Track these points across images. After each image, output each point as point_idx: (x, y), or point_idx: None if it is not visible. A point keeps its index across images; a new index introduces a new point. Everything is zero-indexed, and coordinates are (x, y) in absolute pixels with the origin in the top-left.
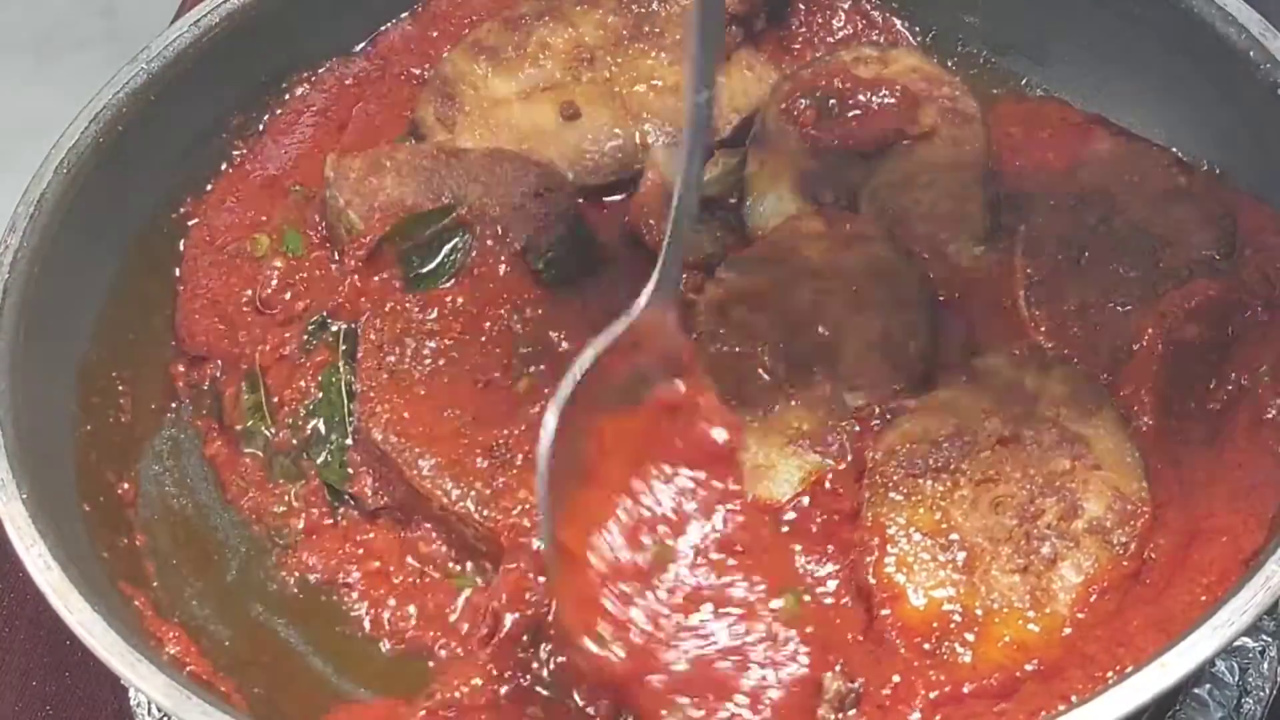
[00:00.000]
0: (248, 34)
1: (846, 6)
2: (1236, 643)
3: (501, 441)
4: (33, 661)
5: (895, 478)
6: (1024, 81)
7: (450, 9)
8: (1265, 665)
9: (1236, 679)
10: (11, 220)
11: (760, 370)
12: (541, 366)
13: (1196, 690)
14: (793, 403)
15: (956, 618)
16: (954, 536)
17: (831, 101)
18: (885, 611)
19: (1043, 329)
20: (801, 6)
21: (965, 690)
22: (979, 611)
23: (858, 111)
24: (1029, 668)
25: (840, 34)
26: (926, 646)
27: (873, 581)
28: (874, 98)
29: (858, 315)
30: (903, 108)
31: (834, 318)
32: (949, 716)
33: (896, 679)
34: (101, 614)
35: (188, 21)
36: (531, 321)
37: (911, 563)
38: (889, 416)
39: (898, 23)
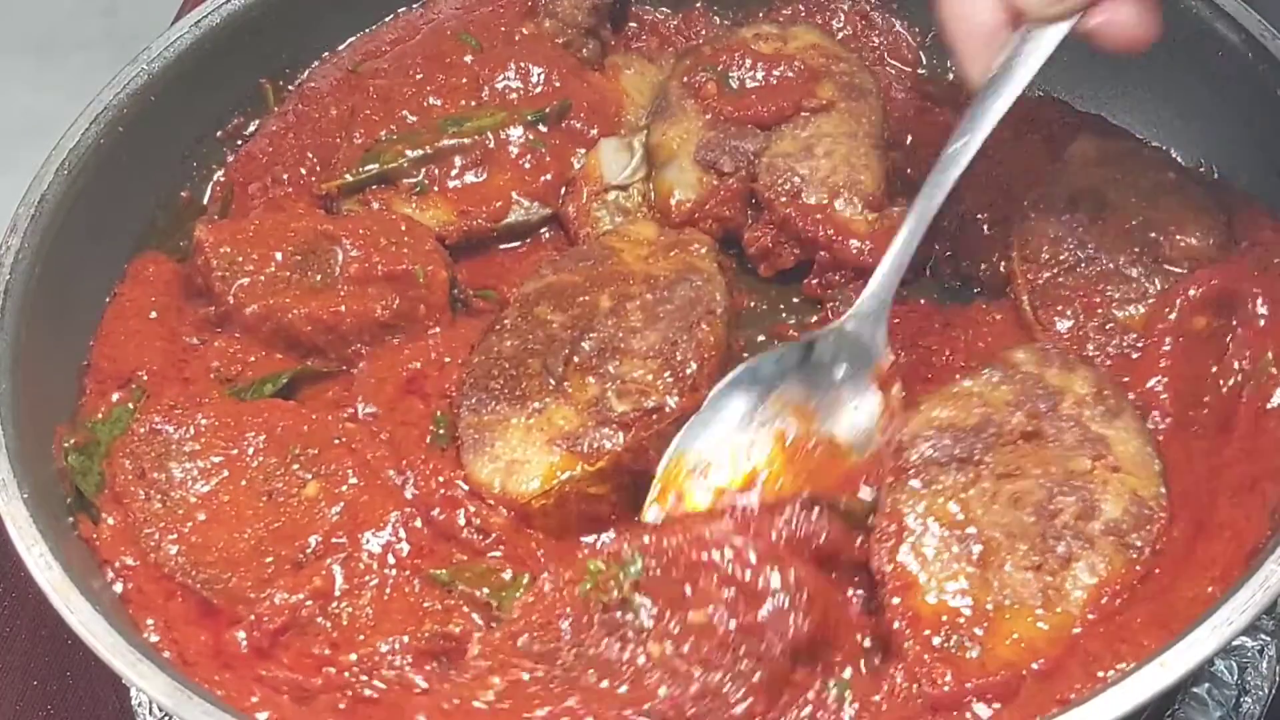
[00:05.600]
0: (248, 34)
1: (846, 8)
2: (1235, 642)
3: (307, 552)
4: (34, 661)
5: (919, 464)
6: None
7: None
8: (1264, 665)
9: (1235, 678)
10: (13, 221)
11: (541, 367)
12: (331, 466)
13: (1195, 689)
14: (563, 403)
15: (967, 611)
16: (971, 529)
17: (732, 75)
18: (895, 600)
19: (1049, 331)
20: (801, 9)
21: (969, 686)
22: (990, 607)
23: (758, 85)
24: (1035, 667)
25: (840, 35)
26: (936, 641)
27: (887, 569)
28: (774, 72)
29: (648, 323)
30: (801, 82)
31: (625, 324)
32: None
33: (899, 677)
34: (103, 614)
35: (188, 22)
36: (295, 427)
37: (927, 553)
38: (652, 421)
39: (897, 24)
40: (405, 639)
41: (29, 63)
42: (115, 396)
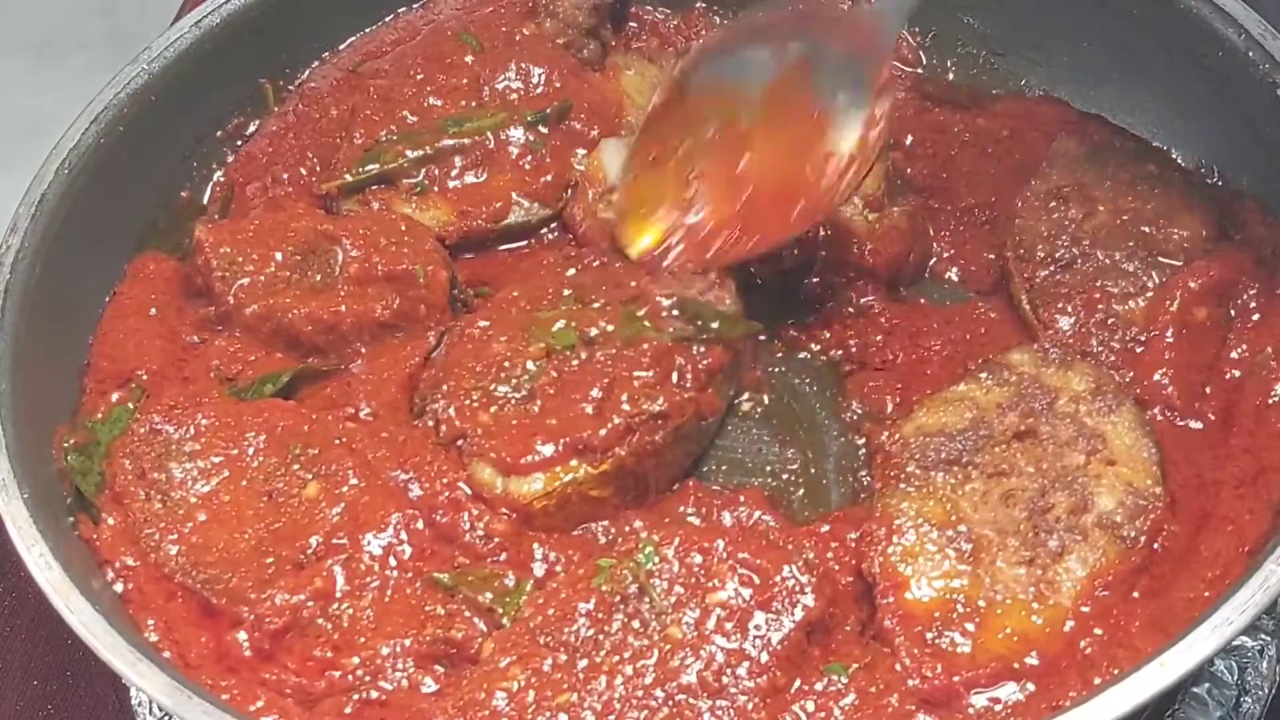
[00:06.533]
0: (248, 34)
1: (846, 8)
2: (1235, 642)
3: (308, 553)
4: (34, 661)
5: (908, 469)
6: (1024, 81)
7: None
8: (1264, 664)
9: (1235, 678)
10: (13, 221)
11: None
12: (332, 466)
13: (1196, 689)
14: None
15: (959, 608)
16: (962, 528)
17: None
18: (888, 600)
19: (1050, 330)
20: (801, 9)
21: (957, 680)
22: (982, 603)
23: None
24: (1029, 661)
25: None
26: (928, 636)
27: (877, 571)
28: None
29: (653, 332)
30: None
31: (625, 334)
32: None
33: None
34: (103, 613)
35: (188, 22)
36: (296, 427)
37: (917, 554)
38: (655, 422)
39: None
40: (407, 642)
41: (29, 63)
42: (115, 396)
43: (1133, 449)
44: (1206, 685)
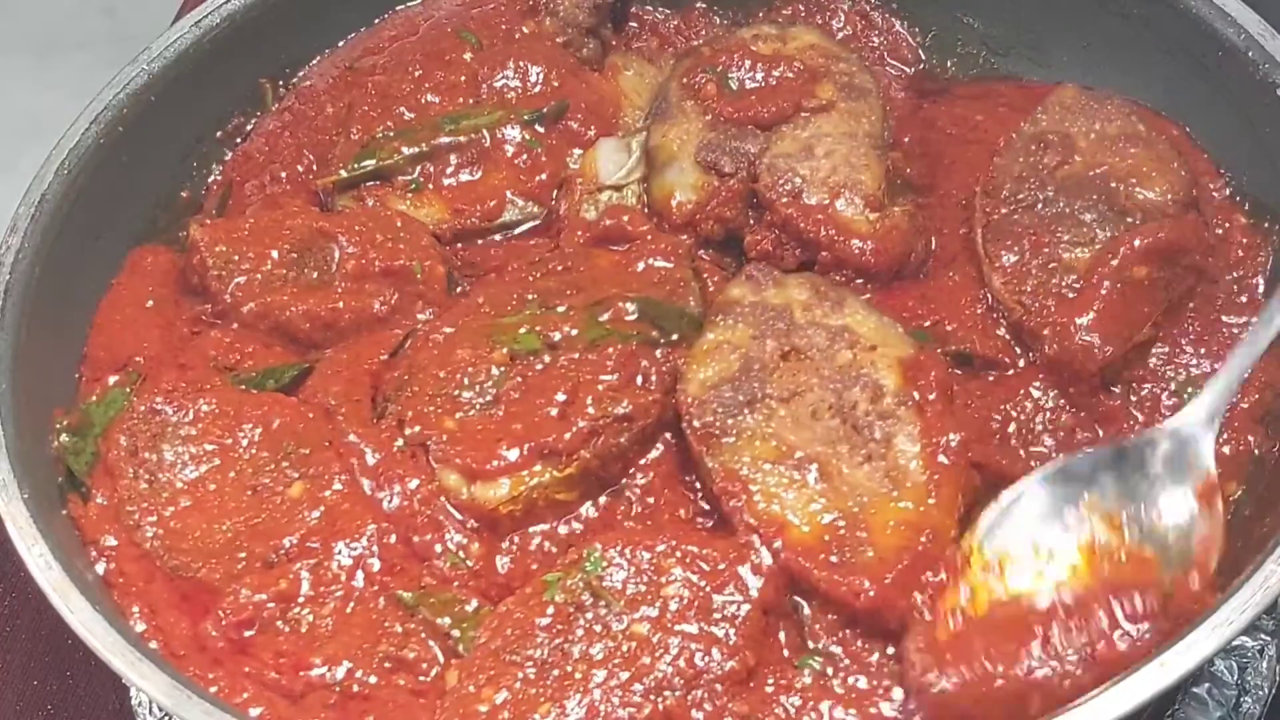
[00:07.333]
0: (248, 34)
1: (846, 8)
2: (1235, 642)
3: (280, 553)
4: (34, 661)
5: (719, 424)
6: (1024, 82)
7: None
8: (1264, 664)
9: (1235, 678)
10: (13, 221)
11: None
12: (320, 468)
13: (1195, 689)
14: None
15: (840, 524)
16: (798, 454)
17: (732, 76)
18: (778, 545)
19: (996, 265)
20: (801, 9)
21: (888, 581)
22: (855, 509)
23: (757, 86)
24: (923, 540)
25: (840, 35)
26: (834, 560)
27: (753, 521)
28: (773, 72)
29: (617, 335)
30: (801, 82)
31: (588, 338)
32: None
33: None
34: (103, 613)
35: (188, 22)
36: (292, 424)
37: (777, 493)
38: (620, 425)
39: (897, 24)
40: (359, 655)
41: (29, 63)
42: (112, 380)
43: (878, 328)
44: (1206, 685)
